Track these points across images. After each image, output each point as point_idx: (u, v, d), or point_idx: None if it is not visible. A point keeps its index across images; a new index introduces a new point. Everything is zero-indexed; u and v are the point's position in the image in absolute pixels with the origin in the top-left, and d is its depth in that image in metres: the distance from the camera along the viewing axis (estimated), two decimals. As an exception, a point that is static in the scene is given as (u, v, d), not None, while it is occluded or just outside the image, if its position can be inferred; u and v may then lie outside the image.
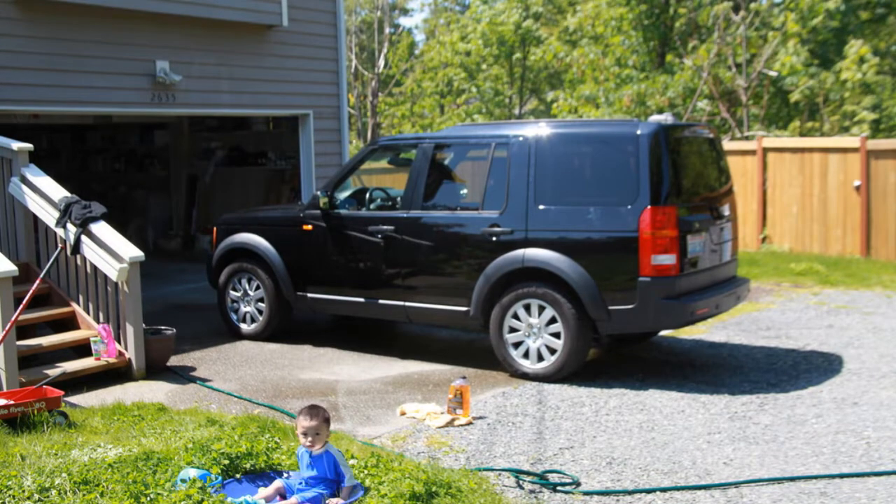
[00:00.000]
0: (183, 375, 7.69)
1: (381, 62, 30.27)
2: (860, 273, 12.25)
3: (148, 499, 4.38)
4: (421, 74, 32.42)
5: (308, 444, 4.63)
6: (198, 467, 4.77)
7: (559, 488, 5.02)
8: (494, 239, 7.49)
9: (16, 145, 8.20)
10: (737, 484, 5.05)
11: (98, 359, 7.50)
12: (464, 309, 7.66)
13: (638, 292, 6.99)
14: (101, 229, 7.71)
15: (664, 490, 4.98)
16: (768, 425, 6.15)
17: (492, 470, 5.26)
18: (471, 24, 30.47)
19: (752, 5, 20.89)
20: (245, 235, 9.03)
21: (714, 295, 7.43)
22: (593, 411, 6.50)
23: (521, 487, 5.04)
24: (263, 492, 4.64)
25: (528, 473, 5.18)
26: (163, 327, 8.11)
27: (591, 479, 5.18)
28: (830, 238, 13.97)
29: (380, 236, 8.07)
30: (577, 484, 5.08)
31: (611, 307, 7.08)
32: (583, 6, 24.83)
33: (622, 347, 8.58)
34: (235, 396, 7.02)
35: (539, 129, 7.61)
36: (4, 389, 6.63)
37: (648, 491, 4.97)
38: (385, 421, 6.38)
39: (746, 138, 18.79)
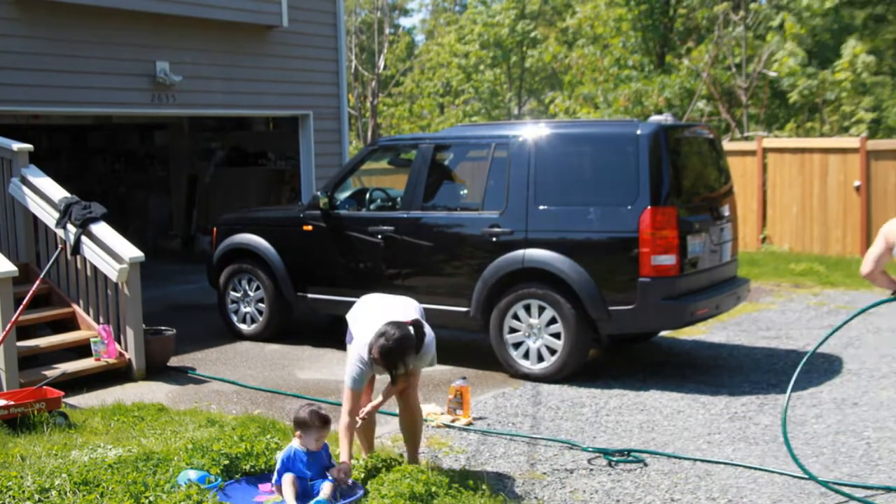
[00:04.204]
0: (183, 375, 7.69)
1: (381, 63, 30.26)
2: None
3: (148, 500, 4.38)
4: (419, 75, 32.41)
5: (320, 447, 4.75)
6: (197, 468, 4.77)
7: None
8: (494, 239, 7.49)
9: (16, 146, 8.20)
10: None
11: (98, 359, 7.50)
12: (464, 309, 7.66)
13: (638, 293, 6.99)
14: (101, 230, 7.71)
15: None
16: (768, 426, 6.15)
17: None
18: (468, 25, 30.47)
19: (752, 5, 20.90)
20: (245, 236, 9.02)
21: (714, 295, 7.43)
22: (593, 412, 6.50)
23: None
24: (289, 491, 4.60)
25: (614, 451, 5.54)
26: (163, 328, 8.11)
27: (591, 479, 5.18)
28: (830, 238, 13.96)
29: (380, 237, 8.07)
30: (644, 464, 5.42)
31: (611, 307, 7.08)
32: (582, 7, 24.83)
33: (622, 348, 8.58)
34: (242, 386, 7.02)
35: (539, 130, 7.61)
36: (4, 390, 6.63)
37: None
38: (385, 421, 6.38)
39: (746, 139, 18.79)
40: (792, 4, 20.57)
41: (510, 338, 7.46)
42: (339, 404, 6.75)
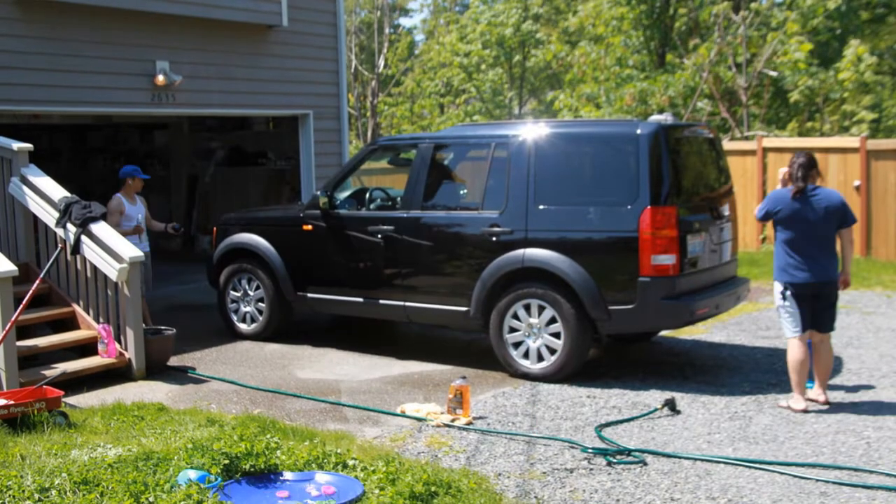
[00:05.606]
0: (183, 375, 7.69)
1: (381, 62, 30.26)
2: (860, 273, 12.24)
3: (148, 499, 4.39)
4: (420, 74, 32.41)
5: None
6: (197, 468, 4.77)
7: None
8: (494, 239, 7.49)
9: (16, 145, 8.21)
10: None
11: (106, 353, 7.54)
12: (464, 309, 7.66)
13: (638, 292, 6.98)
14: (101, 229, 7.71)
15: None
16: (768, 425, 6.15)
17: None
18: (470, 24, 30.45)
19: (753, 5, 20.89)
20: (245, 235, 9.02)
21: (714, 295, 7.43)
22: (593, 411, 6.50)
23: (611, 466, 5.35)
24: None
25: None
26: (163, 327, 8.12)
27: (591, 478, 5.18)
28: (830, 238, 13.94)
29: (380, 236, 8.07)
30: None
31: (611, 307, 7.08)
32: (583, 6, 24.83)
33: (622, 347, 8.58)
34: (242, 385, 7.03)
35: (539, 129, 7.61)
36: (4, 389, 6.63)
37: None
38: (385, 421, 6.38)
39: (746, 138, 18.77)
40: (793, 4, 20.55)
41: (510, 337, 7.46)
42: (339, 404, 6.78)
